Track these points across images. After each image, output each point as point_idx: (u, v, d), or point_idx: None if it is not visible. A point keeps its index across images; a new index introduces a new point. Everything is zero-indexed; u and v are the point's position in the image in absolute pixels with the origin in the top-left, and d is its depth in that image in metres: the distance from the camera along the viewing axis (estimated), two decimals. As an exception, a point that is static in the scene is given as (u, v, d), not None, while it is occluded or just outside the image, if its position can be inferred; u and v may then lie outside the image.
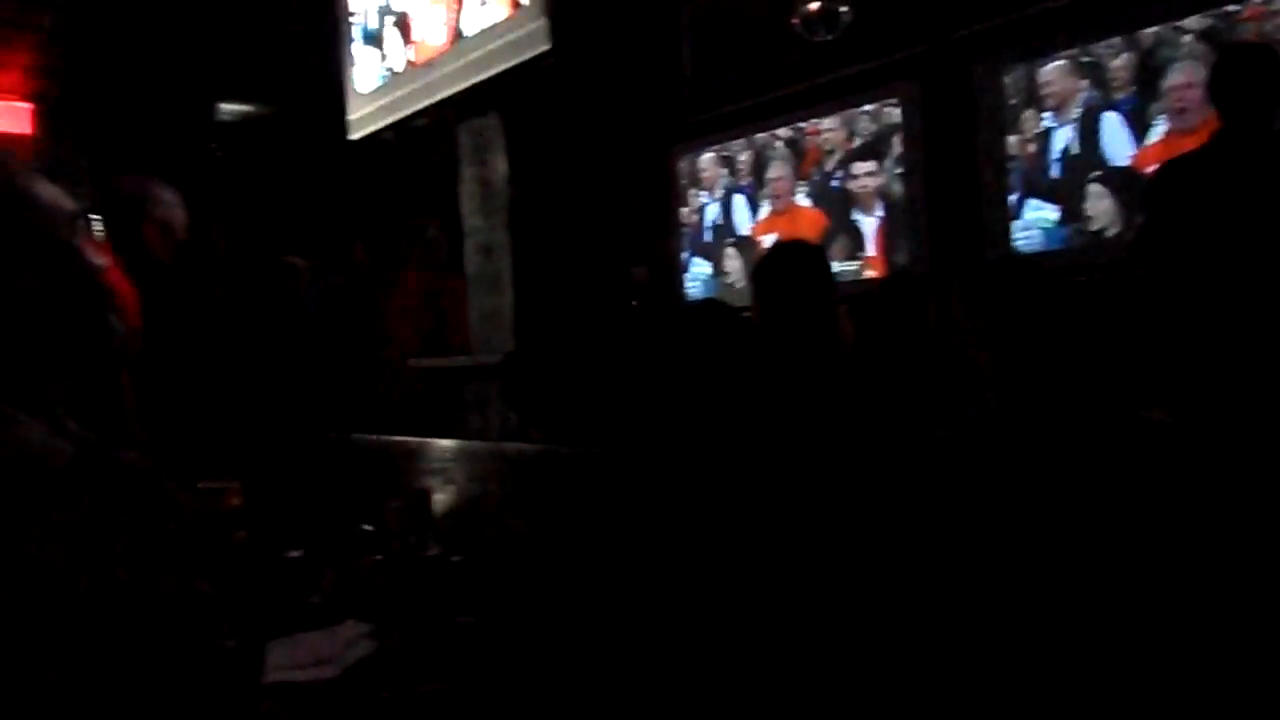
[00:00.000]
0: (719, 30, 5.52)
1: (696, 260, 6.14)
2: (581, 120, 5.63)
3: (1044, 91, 4.48)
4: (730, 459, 1.59)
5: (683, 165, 6.22)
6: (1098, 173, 4.31)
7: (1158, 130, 4.03)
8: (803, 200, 5.43)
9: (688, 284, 6.16)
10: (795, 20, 4.78)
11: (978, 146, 4.71)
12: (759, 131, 5.74)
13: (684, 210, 6.22)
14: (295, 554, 2.26)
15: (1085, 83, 4.33)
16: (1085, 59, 4.31)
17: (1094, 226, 4.32)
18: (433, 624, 1.76)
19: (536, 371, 3.03)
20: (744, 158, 5.84)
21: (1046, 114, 4.46)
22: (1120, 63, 4.19)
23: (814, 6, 4.70)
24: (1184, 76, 3.88)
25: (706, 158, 6.10)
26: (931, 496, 1.46)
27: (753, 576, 1.55)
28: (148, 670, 0.82)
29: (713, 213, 6.08)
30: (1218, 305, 2.53)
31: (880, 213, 5.12)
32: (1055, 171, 4.44)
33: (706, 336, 1.68)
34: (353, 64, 4.57)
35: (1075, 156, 4.37)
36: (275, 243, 5.71)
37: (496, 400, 3.69)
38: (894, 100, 5.05)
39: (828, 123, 5.30)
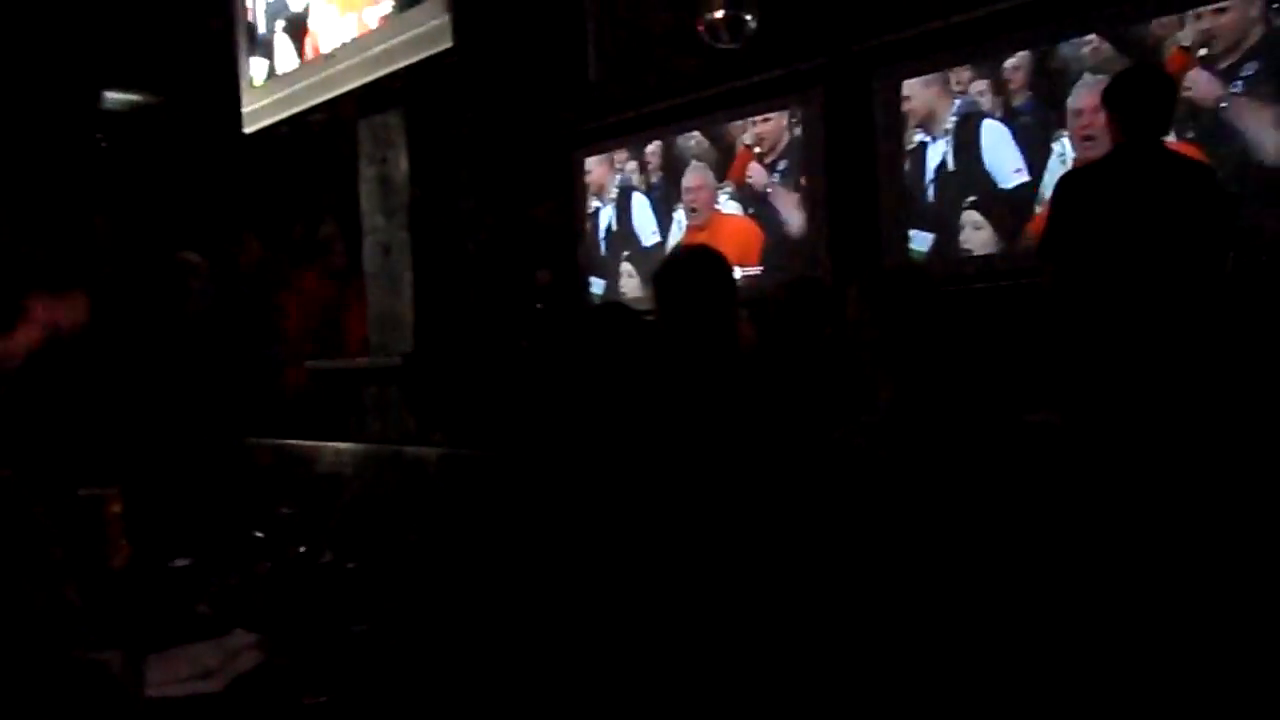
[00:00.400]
0: (625, 34, 5.54)
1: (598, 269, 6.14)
2: (485, 120, 5.58)
3: (930, 106, 4.63)
4: (628, 462, 1.59)
5: (588, 168, 6.22)
6: (974, 197, 4.48)
7: (1056, 152, 4.20)
8: (728, 208, 5.45)
9: (592, 288, 6.17)
10: (700, 27, 4.83)
11: (877, 158, 4.84)
12: (664, 136, 5.77)
13: (588, 214, 6.23)
14: (182, 562, 2.17)
15: (977, 99, 4.49)
16: (982, 75, 4.48)
17: (969, 246, 4.50)
18: (325, 634, 1.71)
19: (436, 374, 2.98)
20: (653, 163, 5.87)
21: (929, 128, 4.62)
22: (1019, 80, 4.36)
23: (719, 14, 4.75)
24: (1088, 99, 4.00)
25: (605, 160, 6.11)
26: (824, 499, 1.49)
27: (652, 579, 1.55)
28: (10, 683, 0.77)
29: (607, 217, 6.09)
30: (1114, 311, 2.67)
31: (787, 219, 5.21)
32: (931, 193, 4.61)
33: (606, 340, 1.68)
34: (247, 55, 4.42)
35: (952, 173, 4.55)
36: (162, 238, 5.50)
37: (396, 403, 3.62)
38: (797, 110, 5.15)
39: (746, 130, 5.36)
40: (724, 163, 5.44)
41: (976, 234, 4.50)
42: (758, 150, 5.30)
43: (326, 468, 2.68)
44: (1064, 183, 2.86)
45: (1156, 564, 1.50)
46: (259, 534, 2.22)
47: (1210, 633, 1.41)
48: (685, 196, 5.63)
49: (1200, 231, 2.64)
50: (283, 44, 4.17)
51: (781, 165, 5.22)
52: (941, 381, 1.60)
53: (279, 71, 4.23)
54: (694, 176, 5.59)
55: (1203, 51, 3.75)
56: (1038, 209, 4.19)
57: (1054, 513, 1.55)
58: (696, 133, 5.56)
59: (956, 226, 4.55)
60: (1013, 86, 4.36)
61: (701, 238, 5.39)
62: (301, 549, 2.11)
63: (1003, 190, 4.40)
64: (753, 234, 5.32)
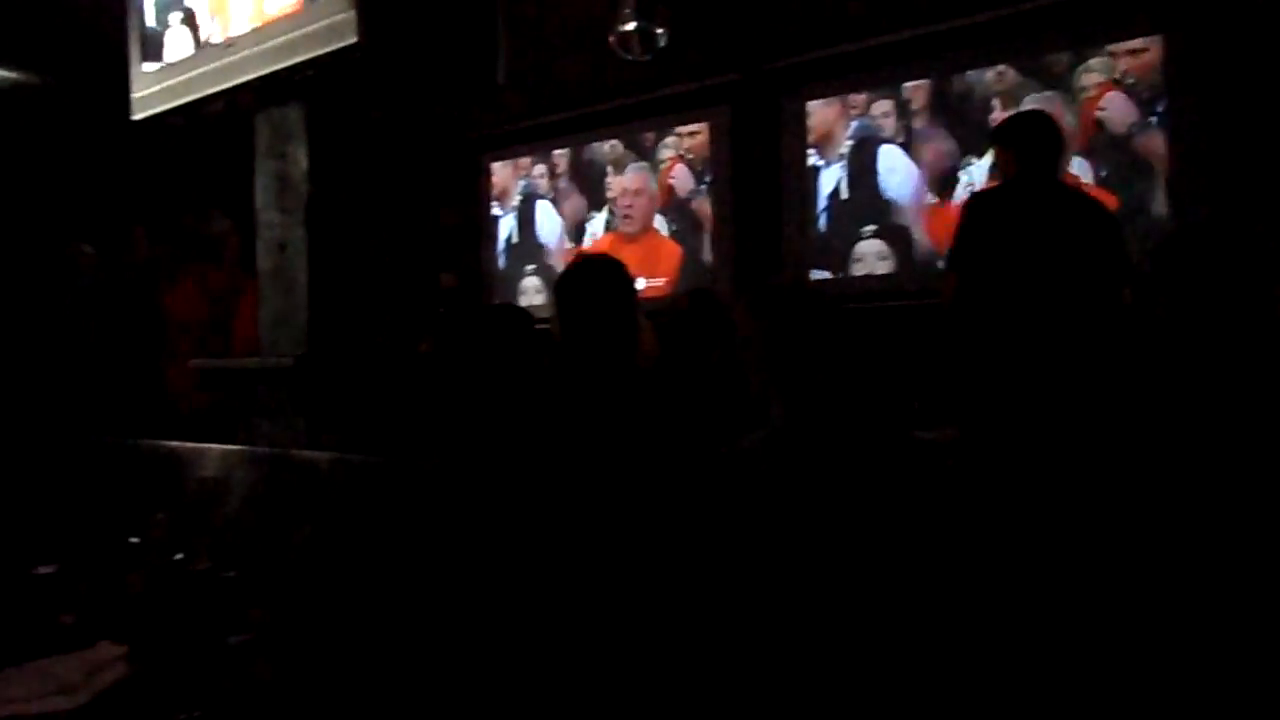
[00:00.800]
0: (537, 40, 5.51)
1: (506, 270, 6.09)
2: (392, 119, 5.47)
3: (828, 129, 4.75)
4: (521, 471, 1.57)
5: (495, 173, 6.17)
6: (873, 224, 4.61)
7: (964, 181, 4.35)
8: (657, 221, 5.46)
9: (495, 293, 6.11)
10: (612, 38, 4.84)
11: (783, 177, 4.92)
12: (572, 144, 5.77)
13: (492, 219, 6.18)
14: (46, 569, 2.06)
15: (879, 123, 4.62)
16: (885, 98, 4.61)
17: (863, 268, 4.63)
18: (198, 645, 1.64)
19: (330, 376, 2.90)
20: (562, 169, 5.85)
21: (824, 151, 4.74)
22: (920, 104, 4.50)
23: (631, 26, 4.77)
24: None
25: (510, 166, 6.07)
26: (713, 512, 1.49)
27: (543, 587, 1.53)
28: None
29: (509, 225, 6.05)
30: (1005, 329, 2.79)
31: (697, 233, 5.25)
32: (825, 218, 4.73)
33: (496, 343, 1.66)
34: (138, 37, 4.23)
35: (846, 202, 4.67)
36: (44, 227, 5.22)
37: (287, 405, 3.50)
38: (705, 125, 5.21)
39: (664, 141, 5.38)
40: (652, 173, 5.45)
41: (872, 257, 4.63)
42: (677, 163, 5.34)
43: (210, 471, 2.57)
44: (971, 202, 3.03)
45: (1046, 576, 1.54)
46: (133, 539, 2.12)
47: (1098, 640, 1.46)
48: (620, 202, 5.60)
49: (1091, 258, 2.80)
50: (176, 28, 4.01)
51: (694, 179, 5.27)
52: (832, 397, 1.63)
53: (173, 57, 4.06)
54: (633, 180, 5.56)
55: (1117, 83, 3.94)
56: (938, 232, 4.33)
57: (944, 527, 1.59)
58: (613, 141, 5.56)
59: (850, 250, 4.67)
60: (914, 109, 4.50)
61: (631, 248, 5.40)
62: (178, 556, 2.02)
63: (897, 218, 4.54)
64: (671, 247, 5.35)
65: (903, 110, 4.54)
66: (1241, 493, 1.45)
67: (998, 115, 4.14)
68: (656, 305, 3.21)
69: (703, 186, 5.23)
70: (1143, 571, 1.48)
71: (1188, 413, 1.55)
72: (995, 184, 3.06)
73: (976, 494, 1.84)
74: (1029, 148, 2.88)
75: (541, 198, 5.93)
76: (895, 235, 4.56)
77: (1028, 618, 1.53)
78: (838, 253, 4.72)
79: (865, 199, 4.65)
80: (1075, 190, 3.14)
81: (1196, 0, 3.78)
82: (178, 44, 3.99)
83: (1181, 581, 1.45)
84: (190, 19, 3.93)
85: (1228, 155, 3.70)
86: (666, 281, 5.30)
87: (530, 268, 5.97)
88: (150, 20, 4.18)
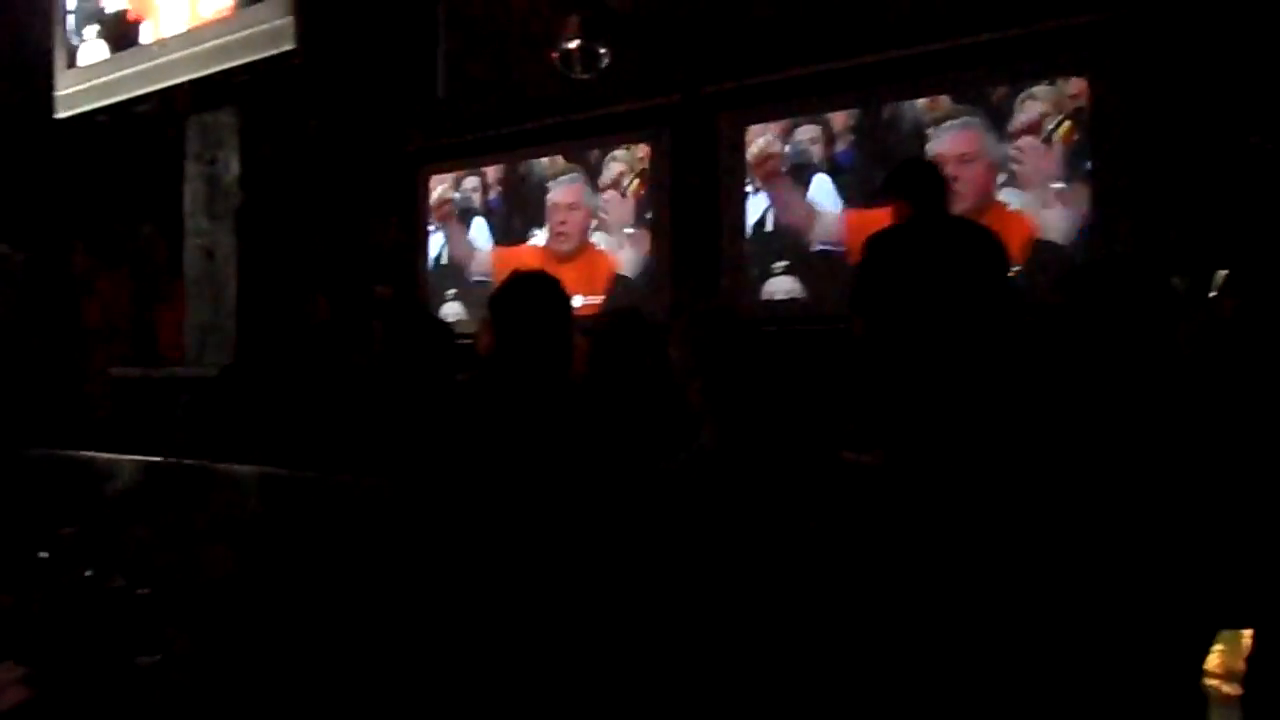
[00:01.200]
0: (478, 54, 5.48)
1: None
2: (330, 130, 5.38)
3: (763, 155, 4.81)
4: (451, 487, 1.55)
5: (433, 186, 6.11)
6: (794, 252, 4.68)
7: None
8: (595, 238, 5.43)
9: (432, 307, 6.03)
10: (555, 55, 4.83)
11: (720, 198, 4.96)
12: (510, 160, 5.74)
13: (431, 231, 6.11)
14: (-57, 585, 1.95)
15: (809, 150, 4.69)
16: (815, 124, 4.68)
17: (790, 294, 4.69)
18: (107, 666, 1.57)
19: (257, 387, 2.83)
20: (499, 183, 5.81)
21: (759, 178, 4.80)
22: (851, 130, 4.58)
23: (573, 44, 4.77)
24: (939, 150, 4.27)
25: (446, 181, 6.01)
26: (645, 529, 1.49)
27: (472, 603, 1.51)
28: None
29: (440, 241, 6.00)
30: (916, 356, 2.88)
31: (633, 252, 5.26)
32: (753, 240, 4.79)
33: (422, 356, 1.64)
34: (64, 33, 4.10)
35: (769, 232, 4.74)
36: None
37: (211, 416, 3.40)
38: (644, 145, 5.23)
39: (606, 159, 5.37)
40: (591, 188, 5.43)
41: (788, 281, 4.70)
42: (615, 182, 5.34)
43: (126, 484, 2.48)
44: (870, 243, 3.13)
45: (975, 585, 1.57)
46: (42, 555, 2.03)
47: (1024, 646, 1.49)
48: (554, 218, 5.56)
49: (983, 283, 2.93)
50: (105, 25, 3.89)
51: (633, 199, 5.28)
52: (763, 419, 1.65)
53: (99, 56, 3.95)
54: (566, 194, 5.54)
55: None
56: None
57: (869, 547, 1.61)
58: (553, 157, 5.54)
59: (775, 274, 4.74)
60: (840, 134, 4.58)
61: (568, 266, 5.36)
62: (88, 573, 1.94)
63: (819, 247, 4.62)
64: (609, 264, 5.33)
65: (832, 138, 4.62)
66: (1135, 493, 1.51)
67: (931, 146, 4.25)
68: (592, 323, 3.19)
69: (631, 207, 5.25)
70: (1054, 574, 1.52)
71: (1084, 422, 1.61)
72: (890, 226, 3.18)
73: (902, 514, 1.87)
74: (919, 192, 3.06)
75: (478, 213, 5.88)
76: (815, 261, 4.62)
77: (960, 626, 1.56)
78: (760, 277, 4.77)
79: (791, 225, 4.71)
80: (966, 221, 3.31)
81: (1120, 41, 3.92)
82: (101, 44, 3.89)
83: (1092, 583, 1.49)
84: (113, 25, 3.82)
85: (1148, 192, 3.84)
86: (603, 300, 5.29)
87: (457, 283, 5.91)
88: (71, 25, 4.07)
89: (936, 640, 1.54)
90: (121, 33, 3.80)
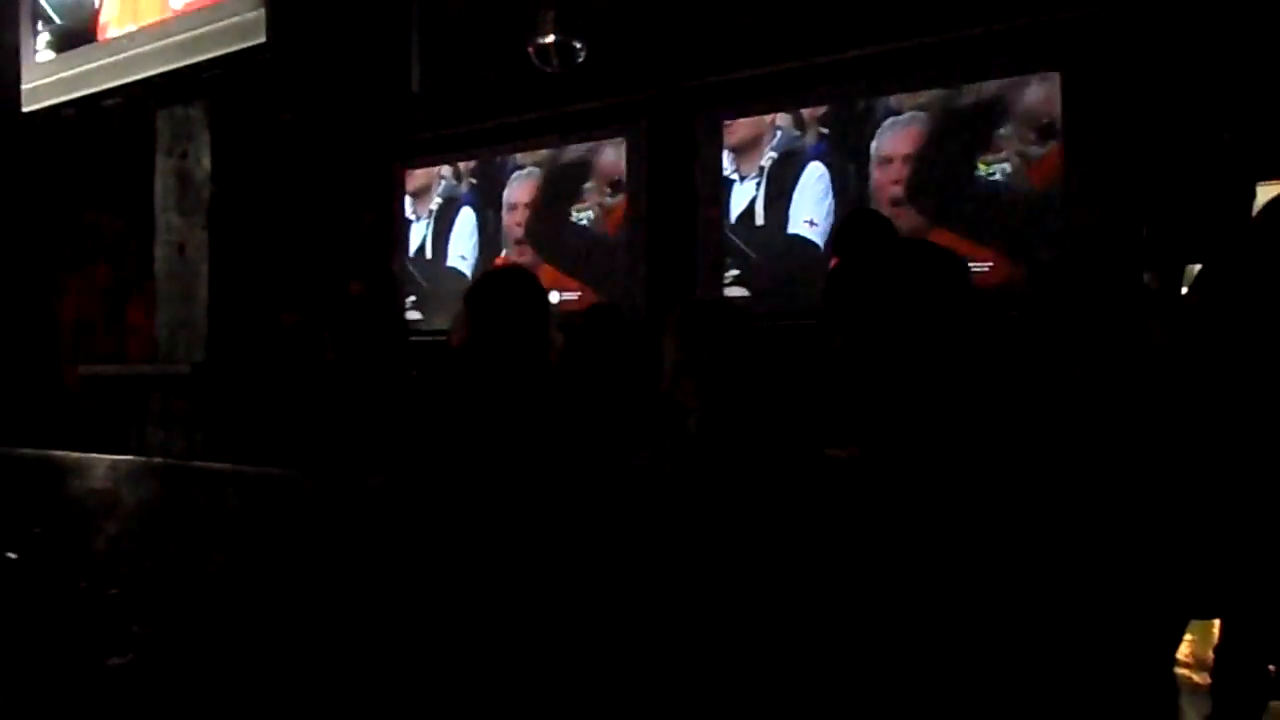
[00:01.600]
0: (453, 48, 5.45)
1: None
2: (303, 123, 5.33)
3: (745, 147, 4.82)
4: (428, 482, 1.54)
5: (408, 181, 6.08)
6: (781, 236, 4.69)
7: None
8: (565, 232, 5.40)
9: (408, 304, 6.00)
10: (530, 50, 4.81)
11: (697, 193, 4.97)
12: (487, 155, 5.72)
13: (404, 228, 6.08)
14: (-93, 587, 1.92)
15: (791, 143, 4.70)
16: (791, 121, 4.69)
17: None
18: (75, 668, 1.55)
19: (230, 385, 2.80)
20: (477, 181, 5.79)
21: (740, 168, 4.81)
22: (823, 125, 4.59)
23: (549, 39, 4.75)
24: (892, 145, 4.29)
25: (424, 174, 5.99)
26: (625, 520, 1.49)
27: (452, 600, 1.50)
28: None
29: (420, 234, 5.97)
30: (889, 362, 2.93)
31: (613, 247, 5.25)
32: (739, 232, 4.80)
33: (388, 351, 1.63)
34: (30, 24, 4.03)
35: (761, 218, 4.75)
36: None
37: (183, 414, 3.36)
38: (621, 140, 5.22)
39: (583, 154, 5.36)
40: (568, 186, 5.42)
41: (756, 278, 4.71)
42: (593, 177, 5.33)
43: (97, 482, 2.45)
44: (836, 269, 3.25)
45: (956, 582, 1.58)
46: (10, 555, 2.01)
47: (1005, 644, 1.50)
48: (513, 215, 5.55)
49: (941, 293, 3.01)
50: (71, 18, 3.83)
51: (611, 193, 5.27)
52: (748, 412, 1.65)
53: (67, 49, 3.88)
54: (524, 191, 5.49)
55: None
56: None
57: (849, 539, 1.62)
58: (533, 153, 5.53)
59: (763, 266, 4.75)
60: (826, 131, 4.60)
61: (543, 262, 5.36)
62: (57, 572, 1.91)
63: (800, 237, 4.63)
64: (583, 260, 5.33)
65: (814, 132, 4.64)
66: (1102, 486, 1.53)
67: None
68: (570, 318, 3.19)
69: (608, 201, 5.25)
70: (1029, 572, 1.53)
71: (1055, 416, 1.63)
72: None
73: (880, 507, 1.87)
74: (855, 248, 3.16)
75: (456, 206, 5.86)
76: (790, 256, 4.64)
77: (932, 616, 1.56)
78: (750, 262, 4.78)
79: (773, 221, 4.72)
80: (926, 243, 3.40)
81: (1093, 38, 3.95)
82: (71, 35, 3.83)
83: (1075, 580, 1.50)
84: (79, 18, 3.76)
85: (1119, 189, 3.87)
86: (580, 295, 5.28)
87: (431, 279, 5.90)
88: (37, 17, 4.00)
89: (910, 630, 1.55)
90: (87, 26, 3.74)
